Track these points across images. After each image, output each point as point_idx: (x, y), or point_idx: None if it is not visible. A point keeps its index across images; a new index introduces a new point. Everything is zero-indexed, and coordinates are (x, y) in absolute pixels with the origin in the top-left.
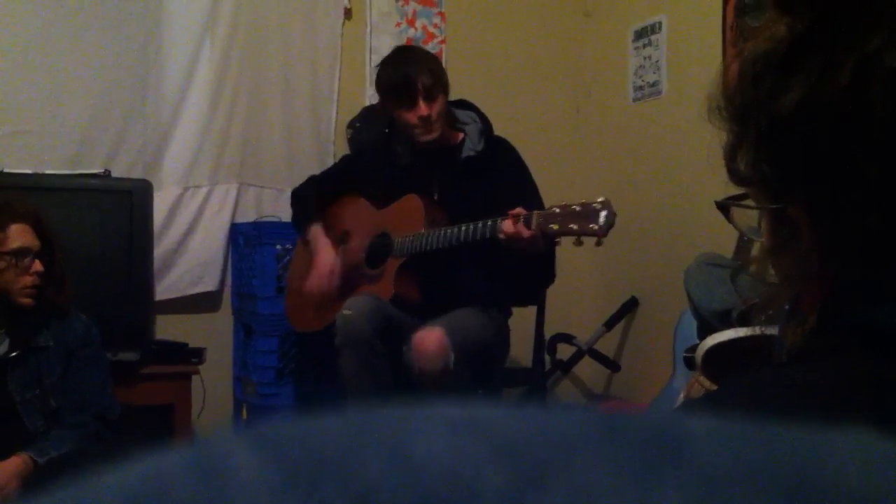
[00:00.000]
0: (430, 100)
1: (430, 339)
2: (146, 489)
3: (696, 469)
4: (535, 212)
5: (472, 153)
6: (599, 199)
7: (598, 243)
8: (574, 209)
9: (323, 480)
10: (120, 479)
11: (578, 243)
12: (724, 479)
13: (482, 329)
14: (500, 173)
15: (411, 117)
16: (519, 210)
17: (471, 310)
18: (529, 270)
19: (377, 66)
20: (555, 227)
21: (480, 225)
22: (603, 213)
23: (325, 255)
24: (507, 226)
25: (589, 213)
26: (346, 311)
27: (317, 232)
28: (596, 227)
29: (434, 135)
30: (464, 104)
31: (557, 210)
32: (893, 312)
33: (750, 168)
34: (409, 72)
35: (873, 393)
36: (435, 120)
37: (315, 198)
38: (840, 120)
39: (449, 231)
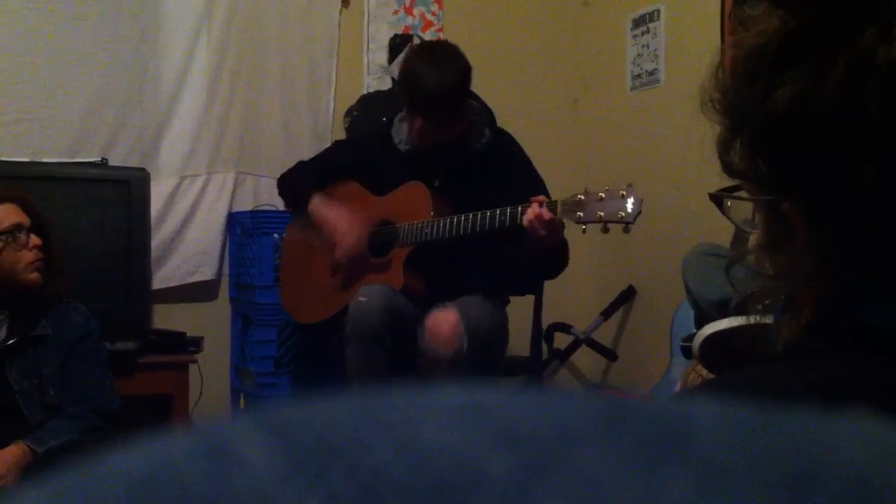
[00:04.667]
0: (440, 128)
1: (445, 321)
2: (152, 474)
3: (700, 457)
4: (560, 199)
5: (480, 145)
6: (625, 186)
7: (626, 230)
8: (599, 196)
9: (330, 466)
10: (125, 464)
11: (605, 230)
12: (728, 467)
13: (491, 316)
14: (505, 166)
15: (413, 126)
16: (542, 197)
17: (478, 297)
18: (547, 262)
19: (409, 54)
20: (580, 214)
21: (499, 212)
22: (630, 200)
23: (346, 220)
24: (531, 212)
25: (615, 200)
26: (361, 299)
27: (321, 203)
28: (624, 214)
29: (424, 144)
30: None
31: (582, 197)
32: (891, 313)
33: (744, 162)
34: (435, 94)
35: (872, 394)
36: (432, 140)
37: (309, 179)
38: (835, 118)
39: (465, 218)
